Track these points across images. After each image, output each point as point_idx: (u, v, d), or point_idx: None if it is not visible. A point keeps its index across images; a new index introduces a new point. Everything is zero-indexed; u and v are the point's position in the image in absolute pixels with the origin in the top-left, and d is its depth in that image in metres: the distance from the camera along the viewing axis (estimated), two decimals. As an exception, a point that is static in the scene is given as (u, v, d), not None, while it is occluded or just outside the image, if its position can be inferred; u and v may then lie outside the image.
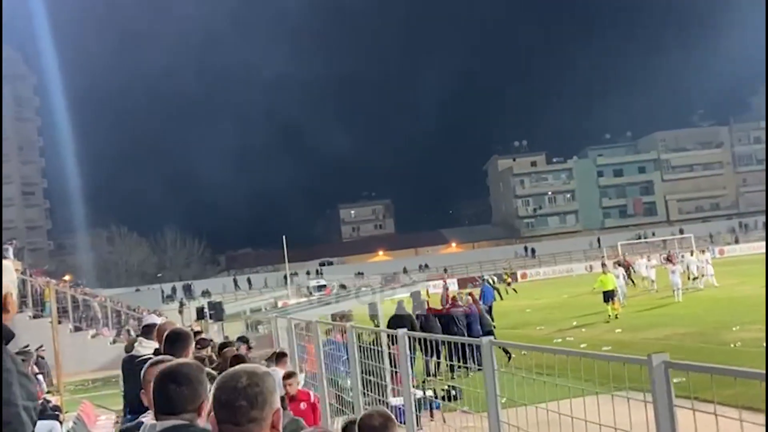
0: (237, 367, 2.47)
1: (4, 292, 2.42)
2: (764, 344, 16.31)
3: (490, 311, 29.68)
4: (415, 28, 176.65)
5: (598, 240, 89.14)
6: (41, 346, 19.36)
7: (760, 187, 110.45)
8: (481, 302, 30.10)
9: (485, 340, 4.83)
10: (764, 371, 2.88)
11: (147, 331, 6.84)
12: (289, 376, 8.20)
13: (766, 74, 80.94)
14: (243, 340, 13.41)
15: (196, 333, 16.05)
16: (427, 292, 33.16)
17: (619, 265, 34.84)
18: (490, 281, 33.16)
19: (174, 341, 4.85)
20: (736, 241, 79.94)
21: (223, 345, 9.84)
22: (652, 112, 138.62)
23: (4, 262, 2.49)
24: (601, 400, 4.00)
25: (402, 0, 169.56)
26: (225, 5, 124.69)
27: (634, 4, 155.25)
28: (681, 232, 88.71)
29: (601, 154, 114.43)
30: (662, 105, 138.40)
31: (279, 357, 9.44)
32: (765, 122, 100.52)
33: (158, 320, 8.19)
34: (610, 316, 25.60)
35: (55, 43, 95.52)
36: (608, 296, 26.39)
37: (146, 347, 6.46)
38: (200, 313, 26.81)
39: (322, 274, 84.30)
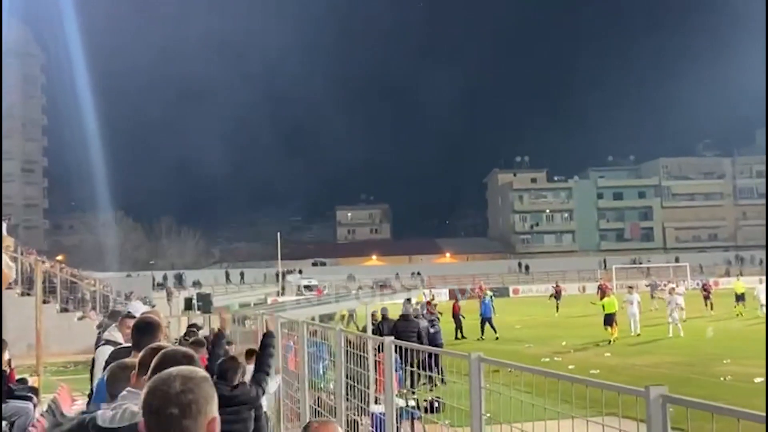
0: (172, 369, 2.19)
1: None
2: (755, 380, 16.16)
3: (490, 322, 29.82)
4: (425, 36, 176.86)
5: (604, 261, 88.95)
6: None
7: (759, 221, 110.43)
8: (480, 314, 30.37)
9: (473, 355, 4.63)
10: (764, 413, 2.71)
11: (113, 317, 6.64)
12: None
13: (765, 106, 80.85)
14: (194, 327, 13.23)
15: (192, 325, 15.84)
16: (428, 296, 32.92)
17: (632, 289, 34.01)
18: (491, 295, 33.14)
19: (143, 331, 4.67)
20: (728, 273, 79.60)
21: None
22: (657, 138, 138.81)
23: None
24: (591, 427, 3.80)
25: (413, 9, 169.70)
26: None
27: (650, 30, 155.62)
28: (677, 260, 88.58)
29: (603, 176, 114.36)
30: (668, 131, 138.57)
31: (251, 354, 9.29)
32: (765, 154, 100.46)
33: (142, 308, 7.99)
34: (610, 341, 24.90)
35: (66, 24, 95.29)
36: (609, 320, 25.74)
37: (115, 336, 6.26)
38: (188, 304, 26.62)
39: (316, 267, 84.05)
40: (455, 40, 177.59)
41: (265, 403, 9.23)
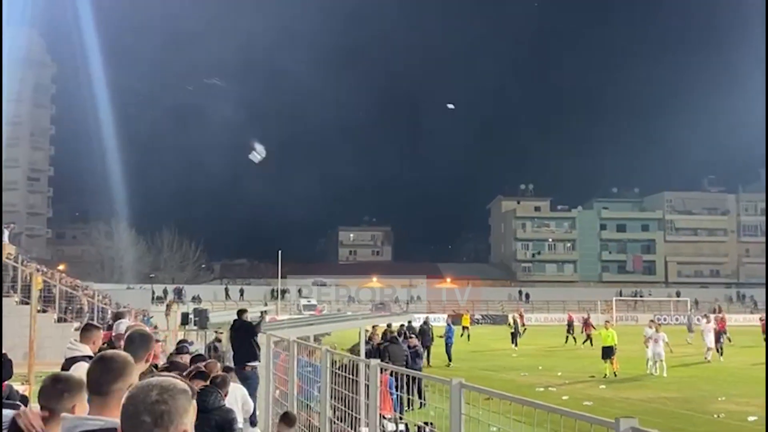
0: (153, 379, 2.28)
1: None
2: (748, 418, 16.10)
3: (448, 348, 30.27)
4: (433, 61, 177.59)
5: (620, 293, 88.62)
6: None
7: (762, 259, 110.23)
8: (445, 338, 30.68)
9: (455, 382, 4.66)
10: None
11: (85, 330, 6.41)
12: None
13: (765, 139, 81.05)
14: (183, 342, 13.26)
15: (182, 341, 15.85)
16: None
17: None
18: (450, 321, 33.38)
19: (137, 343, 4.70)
20: (715, 311, 79.26)
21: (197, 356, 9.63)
22: (662, 171, 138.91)
23: None
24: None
25: (422, 29, 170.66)
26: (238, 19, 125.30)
27: (660, 62, 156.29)
28: (678, 294, 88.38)
29: (606, 207, 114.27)
30: (673, 165, 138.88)
31: (228, 371, 9.31)
32: (765, 189, 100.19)
33: (126, 324, 8.02)
34: (606, 375, 24.35)
35: (80, 35, 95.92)
36: (607, 353, 25.12)
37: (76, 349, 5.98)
38: (185, 319, 26.62)
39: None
40: (464, 66, 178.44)
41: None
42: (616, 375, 24.42)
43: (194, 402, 2.33)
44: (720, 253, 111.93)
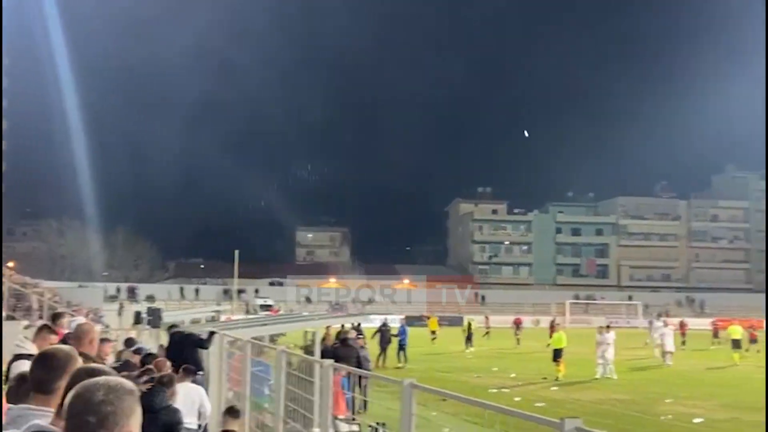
0: (100, 378, 2.24)
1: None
2: (694, 420, 16.47)
3: (403, 349, 30.45)
4: (392, 62, 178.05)
5: (578, 296, 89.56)
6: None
7: (711, 264, 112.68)
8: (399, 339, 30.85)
9: (406, 382, 4.70)
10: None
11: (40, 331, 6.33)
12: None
13: (765, 122, 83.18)
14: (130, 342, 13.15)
15: (129, 340, 15.66)
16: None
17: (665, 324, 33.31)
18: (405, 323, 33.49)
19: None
20: (657, 315, 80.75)
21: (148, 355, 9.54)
22: (616, 177, 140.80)
23: None
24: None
25: (381, 30, 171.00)
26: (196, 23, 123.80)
27: (617, 72, 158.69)
28: (630, 298, 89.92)
29: (562, 211, 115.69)
30: (628, 171, 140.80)
31: (186, 371, 9.25)
32: (765, 177, 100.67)
33: (81, 322, 7.91)
34: (558, 377, 24.53)
35: (31, 28, 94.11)
36: (558, 355, 25.36)
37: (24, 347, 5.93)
38: (137, 318, 26.27)
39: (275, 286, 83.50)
40: (423, 68, 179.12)
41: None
42: (557, 379, 24.47)
43: (142, 402, 2.30)
44: (671, 257, 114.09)
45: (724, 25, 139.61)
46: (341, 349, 14.51)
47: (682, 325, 43.80)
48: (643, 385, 23.20)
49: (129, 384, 2.28)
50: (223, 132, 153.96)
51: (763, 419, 16.75)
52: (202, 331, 14.15)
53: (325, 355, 13.65)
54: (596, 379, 24.91)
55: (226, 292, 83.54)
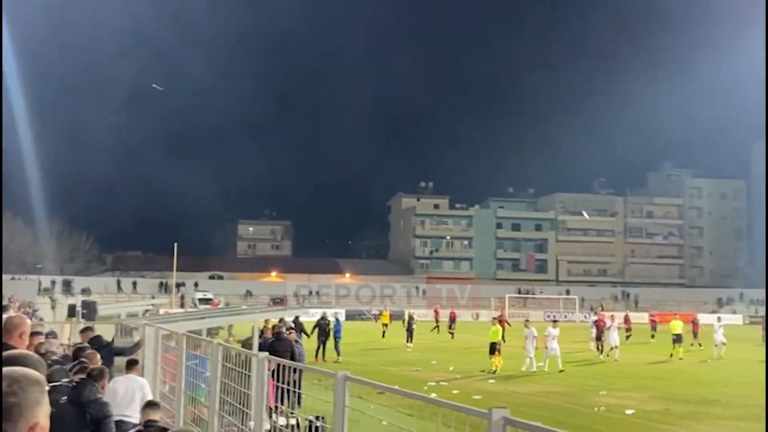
0: (4, 369, 2.18)
1: None
2: (626, 411, 16.88)
3: (337, 342, 30.53)
4: (335, 54, 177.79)
5: (519, 290, 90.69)
6: None
7: (646, 260, 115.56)
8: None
9: (340, 374, 4.73)
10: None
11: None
12: None
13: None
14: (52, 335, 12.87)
15: (49, 333, 15.31)
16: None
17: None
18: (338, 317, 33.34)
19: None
20: (593, 308, 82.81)
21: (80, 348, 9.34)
22: (556, 174, 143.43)
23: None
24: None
25: (324, 25, 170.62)
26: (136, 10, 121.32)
27: (555, 69, 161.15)
28: (567, 292, 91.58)
29: (503, 207, 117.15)
30: (567, 168, 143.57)
31: (130, 364, 9.12)
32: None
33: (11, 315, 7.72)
34: (495, 370, 24.70)
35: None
36: (494, 348, 25.63)
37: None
38: (71, 311, 25.71)
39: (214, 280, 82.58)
40: (366, 63, 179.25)
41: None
42: (495, 372, 24.65)
43: (70, 396, 2.26)
44: (607, 253, 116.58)
45: (663, 25, 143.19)
46: (276, 343, 14.48)
47: (627, 320, 44.86)
48: (579, 378, 23.66)
49: (35, 375, 2.23)
50: (164, 122, 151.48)
51: (694, 410, 17.32)
52: (126, 343, 13.90)
53: (261, 349, 13.61)
54: (534, 372, 25.19)
55: (163, 285, 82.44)
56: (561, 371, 25.12)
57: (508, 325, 38.33)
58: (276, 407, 7.07)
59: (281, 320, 19.58)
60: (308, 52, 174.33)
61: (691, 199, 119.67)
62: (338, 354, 30.02)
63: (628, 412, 16.75)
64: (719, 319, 36.58)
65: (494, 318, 31.50)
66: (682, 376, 25.21)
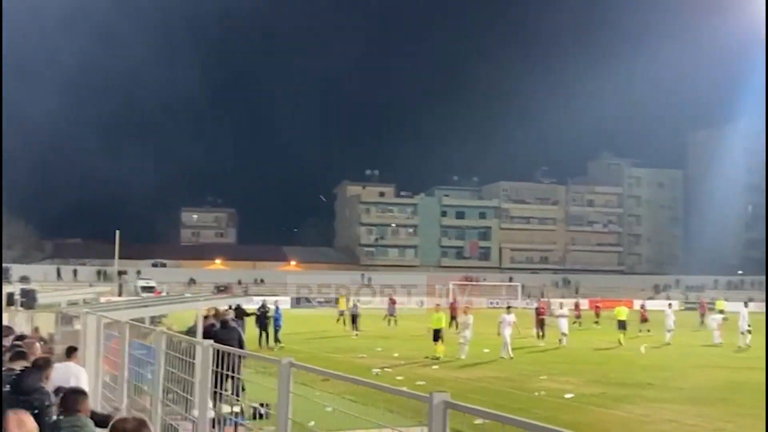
0: None
1: None
2: (565, 395, 17.30)
3: (277, 331, 30.37)
4: (280, 40, 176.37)
5: (468, 278, 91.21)
6: None
7: (586, 247, 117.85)
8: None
9: (284, 361, 4.80)
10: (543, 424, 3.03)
11: None
12: None
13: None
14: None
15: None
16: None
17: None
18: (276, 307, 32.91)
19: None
20: (541, 295, 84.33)
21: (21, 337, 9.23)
22: (500, 162, 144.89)
23: None
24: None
25: (268, 11, 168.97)
26: None
27: (496, 59, 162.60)
28: (510, 279, 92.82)
29: (447, 195, 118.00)
30: (510, 157, 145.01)
31: (70, 351, 9.04)
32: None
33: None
34: (439, 357, 25.00)
35: None
36: (437, 335, 25.92)
37: None
38: (10, 299, 25.15)
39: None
40: (312, 50, 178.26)
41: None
42: (439, 358, 24.92)
43: (12, 385, 2.30)
44: (549, 240, 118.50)
45: (602, 16, 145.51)
46: (222, 331, 14.46)
47: (576, 307, 45.80)
48: (521, 364, 24.05)
49: None
50: (107, 105, 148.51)
51: (630, 393, 17.85)
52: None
53: (206, 337, 13.57)
54: (512, 358, 25.43)
55: (102, 273, 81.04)
56: (511, 358, 25.45)
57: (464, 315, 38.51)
58: (220, 395, 7.11)
59: (230, 308, 19.51)
60: (256, 38, 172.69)
61: (629, 188, 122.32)
62: (278, 342, 29.90)
63: (567, 396, 17.18)
64: (670, 305, 37.45)
65: (437, 305, 31.66)
66: (620, 361, 25.89)
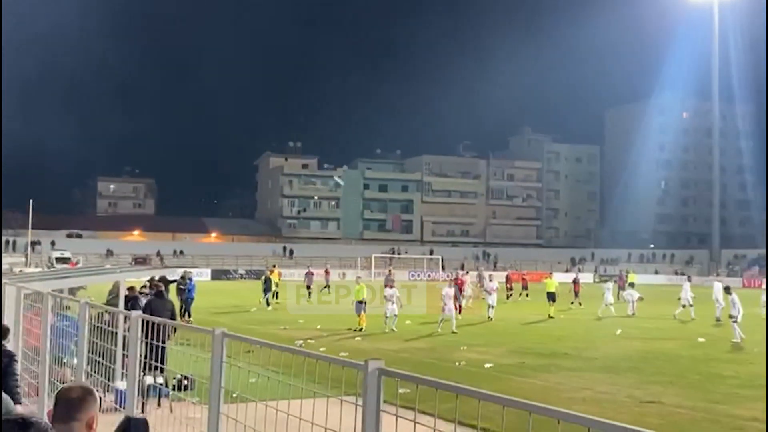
0: None
1: None
2: (485, 365, 17.78)
3: (189, 303, 29.38)
4: (204, 12, 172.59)
5: (393, 250, 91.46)
6: None
7: (506, 221, 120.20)
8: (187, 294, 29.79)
9: (218, 331, 4.85)
10: (466, 386, 3.18)
11: None
12: None
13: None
14: None
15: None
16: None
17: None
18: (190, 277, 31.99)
19: None
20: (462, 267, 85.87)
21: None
22: (422, 136, 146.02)
23: None
24: (323, 402, 4.17)
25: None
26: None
27: (426, 31, 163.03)
28: (431, 252, 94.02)
29: (370, 168, 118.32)
30: (433, 131, 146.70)
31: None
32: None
33: None
34: (361, 328, 25.26)
35: None
36: (360, 307, 26.09)
37: None
38: None
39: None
40: (236, 18, 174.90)
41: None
42: (361, 330, 25.20)
43: None
44: (470, 214, 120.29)
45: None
46: (157, 301, 14.34)
47: (508, 280, 46.38)
48: (443, 336, 24.45)
49: None
50: (20, 70, 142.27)
51: (547, 362, 18.46)
52: None
53: (132, 308, 13.43)
54: (407, 330, 25.82)
55: (14, 243, 78.38)
56: (453, 333, 25.08)
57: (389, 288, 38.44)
58: (147, 366, 7.09)
59: (161, 278, 19.25)
60: (179, 9, 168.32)
61: (549, 163, 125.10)
62: (189, 315, 28.90)
63: (487, 366, 17.66)
64: (606, 280, 38.08)
65: (357, 278, 31.80)
66: (538, 332, 26.69)
